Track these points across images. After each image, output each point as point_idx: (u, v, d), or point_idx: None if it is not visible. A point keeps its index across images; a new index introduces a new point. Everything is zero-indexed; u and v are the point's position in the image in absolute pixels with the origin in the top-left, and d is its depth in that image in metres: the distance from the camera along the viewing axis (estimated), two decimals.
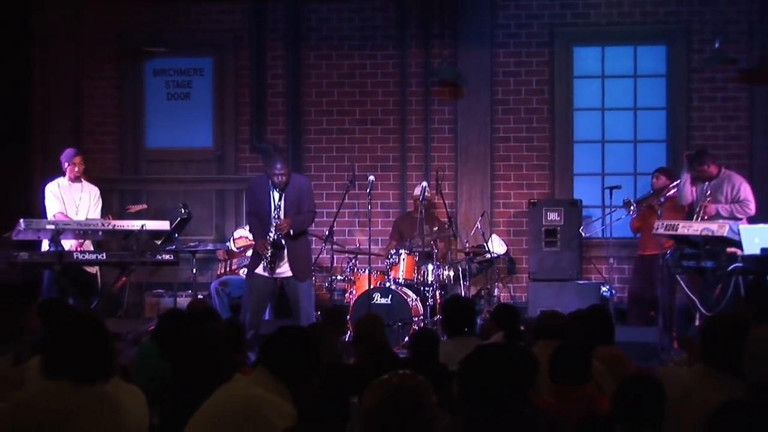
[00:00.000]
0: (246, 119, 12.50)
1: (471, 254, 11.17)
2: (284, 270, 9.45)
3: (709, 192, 9.79)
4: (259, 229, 9.51)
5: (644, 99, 12.15)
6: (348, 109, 12.35)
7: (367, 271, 10.64)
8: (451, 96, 12.14)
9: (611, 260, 11.35)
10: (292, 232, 9.40)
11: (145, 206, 11.19)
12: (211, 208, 12.47)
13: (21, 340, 6.42)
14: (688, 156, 10.25)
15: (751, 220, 9.92)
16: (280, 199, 9.37)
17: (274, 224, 9.33)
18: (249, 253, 10.69)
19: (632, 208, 10.43)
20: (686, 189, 10.03)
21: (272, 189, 9.41)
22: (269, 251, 9.34)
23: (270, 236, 9.34)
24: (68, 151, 10.35)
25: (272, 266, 9.38)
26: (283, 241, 9.37)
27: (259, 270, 9.44)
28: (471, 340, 6.85)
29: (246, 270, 9.97)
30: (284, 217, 9.34)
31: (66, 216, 9.86)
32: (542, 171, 12.14)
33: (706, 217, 9.67)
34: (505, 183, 12.17)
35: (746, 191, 9.90)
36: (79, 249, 9.76)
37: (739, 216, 9.74)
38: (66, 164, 10.16)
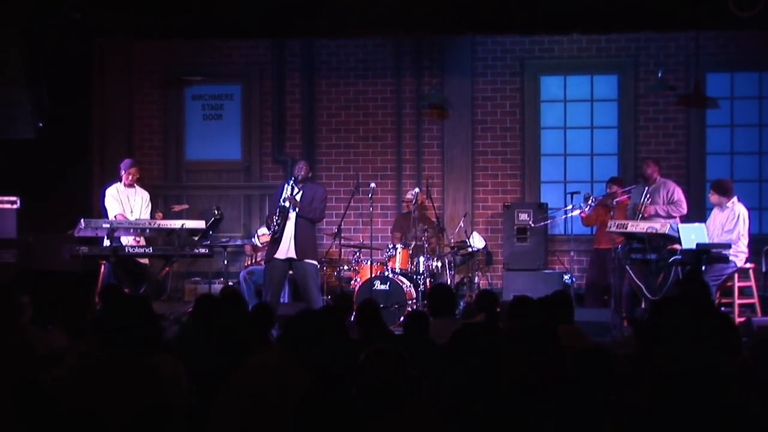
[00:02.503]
0: (269, 136, 12.49)
1: (455, 248, 11.16)
2: (291, 251, 9.42)
3: (648, 196, 9.81)
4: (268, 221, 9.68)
5: (599, 119, 12.14)
6: (353, 127, 12.35)
7: (369, 262, 10.64)
8: (439, 117, 12.12)
9: (572, 253, 11.35)
10: (297, 209, 9.38)
11: (186, 206, 11.21)
12: (239, 210, 12.47)
13: (83, 318, 6.42)
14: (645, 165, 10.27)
15: (687, 219, 9.92)
16: (296, 193, 9.41)
17: (284, 197, 9.39)
18: None
19: (590, 201, 10.42)
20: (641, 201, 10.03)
21: (286, 188, 9.43)
22: (276, 219, 9.35)
23: (278, 208, 9.38)
24: (126, 161, 10.30)
25: (279, 234, 9.34)
26: (290, 213, 9.36)
27: (277, 255, 9.43)
28: (453, 320, 6.86)
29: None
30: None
31: (125, 216, 9.84)
32: (514, 179, 12.13)
33: (646, 216, 9.70)
34: (483, 189, 12.17)
35: (678, 194, 9.89)
36: (137, 244, 9.77)
37: (674, 215, 9.73)
38: (123, 172, 10.12)
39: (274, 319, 6.52)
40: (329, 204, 11.14)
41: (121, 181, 10.12)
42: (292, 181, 9.48)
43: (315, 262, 9.64)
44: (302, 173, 9.50)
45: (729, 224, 9.47)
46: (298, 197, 9.41)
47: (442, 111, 11.95)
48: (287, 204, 9.37)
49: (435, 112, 12.04)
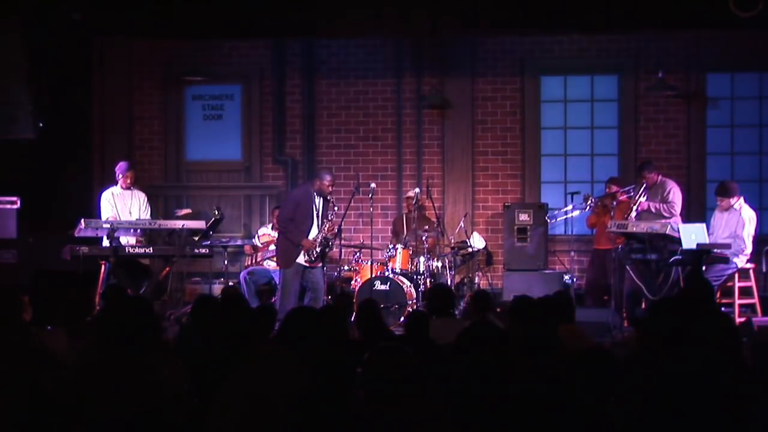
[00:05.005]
0: (269, 136, 12.49)
1: (456, 248, 11.16)
2: (316, 258, 9.71)
3: (644, 193, 9.85)
4: (297, 231, 9.62)
5: (599, 119, 12.14)
6: (353, 127, 12.34)
7: (369, 263, 10.64)
8: (439, 117, 12.13)
9: (572, 253, 11.34)
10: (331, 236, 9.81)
11: (189, 211, 11.24)
12: (240, 210, 12.46)
13: (83, 318, 6.43)
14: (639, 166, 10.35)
15: (687, 219, 9.92)
16: (320, 206, 9.67)
17: (326, 227, 9.66)
18: (272, 247, 10.72)
19: (590, 201, 10.42)
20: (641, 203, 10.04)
21: (315, 198, 9.64)
22: (318, 249, 9.56)
23: (319, 238, 9.61)
24: (122, 164, 10.32)
25: (313, 260, 9.58)
26: (330, 242, 9.71)
27: (299, 259, 9.61)
28: (453, 320, 6.86)
29: (277, 260, 10.09)
30: (324, 220, 9.69)
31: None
32: (515, 179, 12.13)
33: (639, 209, 9.73)
34: (484, 189, 12.17)
35: (674, 195, 9.89)
36: (139, 243, 9.81)
37: (665, 215, 9.72)
38: (120, 176, 10.15)
39: (275, 322, 6.53)
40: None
41: (117, 184, 10.14)
42: (319, 201, 9.71)
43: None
44: (331, 188, 9.80)
45: (735, 226, 9.46)
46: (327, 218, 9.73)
47: (443, 111, 12.00)
48: (325, 237, 9.61)
49: (435, 112, 12.09)
